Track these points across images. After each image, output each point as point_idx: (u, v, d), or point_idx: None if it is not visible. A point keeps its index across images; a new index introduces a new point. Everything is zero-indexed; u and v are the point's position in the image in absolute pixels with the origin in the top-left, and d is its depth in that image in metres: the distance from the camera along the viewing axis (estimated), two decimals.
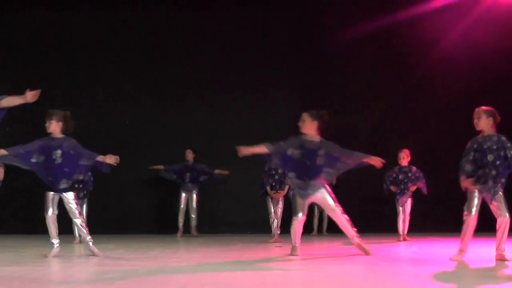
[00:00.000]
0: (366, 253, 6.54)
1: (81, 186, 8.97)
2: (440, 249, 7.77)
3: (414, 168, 9.31)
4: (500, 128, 6.06)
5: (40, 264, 5.81)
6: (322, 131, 6.54)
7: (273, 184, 9.21)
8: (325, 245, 8.68)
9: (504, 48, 11.12)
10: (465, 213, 6.02)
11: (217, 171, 10.65)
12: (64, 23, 11.56)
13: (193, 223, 10.67)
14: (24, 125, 10.17)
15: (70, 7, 11.49)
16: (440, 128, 11.17)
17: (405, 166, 9.32)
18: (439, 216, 10.95)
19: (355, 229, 6.64)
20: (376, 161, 6.56)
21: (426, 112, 11.42)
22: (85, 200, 9.17)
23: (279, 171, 9.05)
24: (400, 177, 9.27)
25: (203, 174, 10.71)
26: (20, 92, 11.09)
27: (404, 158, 9.29)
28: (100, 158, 6.51)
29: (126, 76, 11.46)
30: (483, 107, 6.11)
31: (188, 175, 10.69)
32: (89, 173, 8.85)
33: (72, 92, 11.30)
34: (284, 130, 11.26)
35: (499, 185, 5.83)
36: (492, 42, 11.17)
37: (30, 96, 5.08)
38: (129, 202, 11.28)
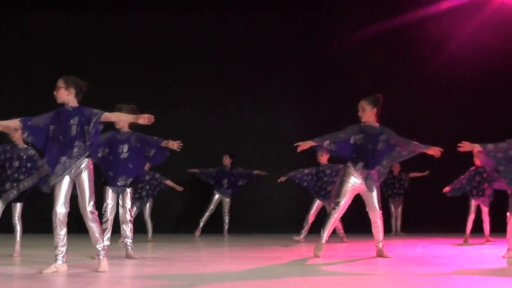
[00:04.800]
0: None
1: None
2: (444, 250, 7.77)
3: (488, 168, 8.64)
4: (508, 129, 6.09)
5: None
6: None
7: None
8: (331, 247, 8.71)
9: (511, 50, 11.10)
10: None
11: (256, 172, 10.63)
12: (73, 27, 11.59)
13: (226, 226, 10.74)
14: None
15: (78, 11, 11.57)
16: (446, 132, 11.16)
17: (479, 166, 8.73)
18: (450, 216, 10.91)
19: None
20: (435, 151, 6.31)
21: (432, 115, 11.37)
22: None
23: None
24: (476, 178, 8.82)
25: (242, 178, 10.69)
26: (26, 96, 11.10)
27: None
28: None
29: (133, 79, 11.47)
30: None
31: (225, 180, 10.66)
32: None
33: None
34: (292, 131, 11.42)
35: None
36: (499, 44, 11.09)
37: None
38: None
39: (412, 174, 11.00)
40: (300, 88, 11.73)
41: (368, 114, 6.41)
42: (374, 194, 6.35)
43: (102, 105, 5.34)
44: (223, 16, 11.75)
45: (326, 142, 6.37)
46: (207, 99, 11.70)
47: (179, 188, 9.70)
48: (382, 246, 6.45)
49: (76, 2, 11.57)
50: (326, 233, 6.40)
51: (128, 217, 6.51)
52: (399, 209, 11.18)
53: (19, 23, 11.62)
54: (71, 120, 5.07)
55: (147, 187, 9.38)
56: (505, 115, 10.90)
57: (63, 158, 5.01)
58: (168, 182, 9.54)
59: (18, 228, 6.69)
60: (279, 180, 9.52)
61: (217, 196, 10.67)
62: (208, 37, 11.75)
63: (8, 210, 6.65)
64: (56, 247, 5.07)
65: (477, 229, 9.00)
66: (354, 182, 6.32)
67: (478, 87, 11.25)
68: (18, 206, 6.68)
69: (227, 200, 10.69)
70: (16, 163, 6.56)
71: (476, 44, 11.16)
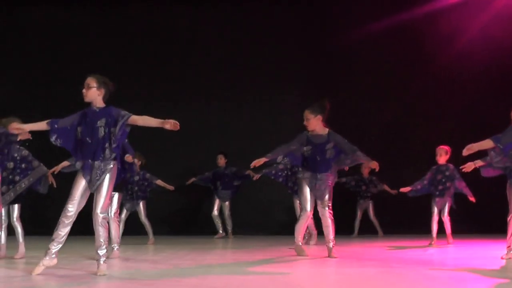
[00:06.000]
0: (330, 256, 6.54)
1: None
2: (459, 251, 7.67)
3: (451, 167, 8.51)
4: None
5: None
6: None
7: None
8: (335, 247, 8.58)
9: None
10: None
11: (247, 172, 10.09)
12: (71, 23, 11.49)
13: (230, 229, 10.48)
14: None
15: (77, 7, 11.47)
16: (456, 126, 11.03)
17: (442, 165, 8.59)
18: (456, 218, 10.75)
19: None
20: (375, 165, 6.44)
21: (442, 110, 11.33)
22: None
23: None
24: (438, 177, 8.58)
25: (236, 179, 10.42)
26: (24, 92, 10.95)
27: (442, 155, 8.53)
28: None
29: (133, 76, 11.36)
30: None
31: (219, 182, 10.45)
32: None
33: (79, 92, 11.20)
34: (295, 128, 11.29)
35: None
36: (509, 38, 11.05)
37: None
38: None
39: (385, 187, 10.54)
40: (304, 84, 11.62)
41: (313, 122, 6.45)
42: (326, 196, 6.49)
43: None
44: (224, 11, 11.65)
45: (280, 157, 6.58)
46: (207, 96, 11.64)
47: (170, 188, 9.48)
48: (332, 247, 6.56)
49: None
50: (299, 237, 6.69)
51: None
52: (371, 212, 10.82)
53: (16, 18, 11.54)
54: (98, 122, 5.03)
55: (136, 188, 9.00)
56: None
57: (97, 163, 4.98)
58: (159, 182, 9.29)
59: (19, 229, 6.63)
60: (254, 178, 9.30)
61: (217, 199, 10.47)
62: (209, 32, 11.65)
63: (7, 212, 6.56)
64: (53, 240, 5.03)
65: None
66: (308, 187, 6.49)
67: (488, 82, 11.20)
68: (16, 208, 6.61)
69: (226, 204, 10.45)
70: (11, 165, 6.44)
71: (486, 39, 11.15)
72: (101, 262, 5.02)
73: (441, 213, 8.63)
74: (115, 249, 6.73)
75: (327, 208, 6.45)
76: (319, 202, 6.49)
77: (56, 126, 5.07)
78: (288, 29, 11.62)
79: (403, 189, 8.76)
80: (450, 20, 11.06)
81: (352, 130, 11.33)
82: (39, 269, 5.02)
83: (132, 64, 11.35)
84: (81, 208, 5.05)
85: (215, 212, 10.45)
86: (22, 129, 5.21)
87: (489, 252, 7.32)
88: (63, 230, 5.00)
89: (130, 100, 11.04)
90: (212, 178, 10.50)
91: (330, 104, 6.48)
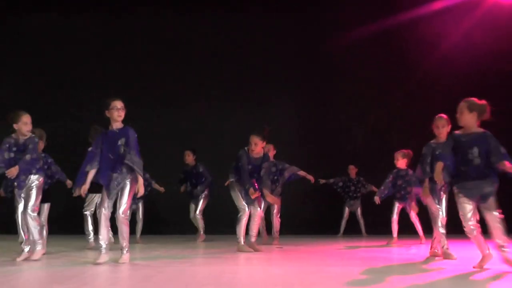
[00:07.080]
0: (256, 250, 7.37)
1: None
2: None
3: (410, 172, 8.56)
4: (500, 128, 6.19)
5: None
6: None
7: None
8: (321, 247, 8.74)
9: (504, 50, 11.20)
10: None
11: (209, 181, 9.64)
12: (71, 27, 11.66)
13: (201, 231, 9.76)
14: None
15: (77, 11, 11.63)
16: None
17: (402, 169, 8.72)
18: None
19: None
20: (271, 199, 7.55)
21: (426, 114, 11.43)
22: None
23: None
24: (398, 182, 8.75)
25: (201, 179, 9.60)
26: (27, 99, 11.09)
27: (398, 159, 8.63)
28: None
29: (131, 79, 11.53)
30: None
31: (188, 182, 9.76)
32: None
33: (78, 95, 11.39)
34: (284, 131, 11.50)
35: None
36: (491, 44, 11.25)
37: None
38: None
39: (373, 188, 10.58)
40: (294, 89, 11.79)
41: (260, 147, 7.39)
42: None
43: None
44: (219, 15, 11.85)
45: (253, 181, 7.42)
46: (206, 97, 11.81)
47: (161, 190, 9.71)
48: (254, 241, 7.55)
49: (74, 3, 11.64)
50: (241, 236, 7.46)
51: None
52: (358, 212, 11.08)
53: (17, 24, 11.69)
54: (119, 141, 5.82)
55: None
56: (498, 115, 10.96)
57: (115, 175, 5.77)
58: (154, 185, 9.59)
59: (44, 229, 6.97)
60: (226, 184, 8.73)
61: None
62: (204, 36, 11.84)
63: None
64: (101, 240, 5.83)
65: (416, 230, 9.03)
66: (239, 192, 7.51)
67: (471, 87, 11.33)
68: (46, 207, 7.12)
69: (198, 204, 9.67)
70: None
71: (469, 45, 11.31)
72: (124, 252, 5.84)
73: (409, 216, 8.84)
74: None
75: (258, 209, 7.52)
76: (251, 207, 7.48)
77: (96, 163, 5.83)
78: (278, 35, 11.81)
79: (377, 200, 8.88)
80: (433, 27, 11.28)
81: (338, 133, 11.61)
82: (103, 258, 5.80)
83: (132, 65, 11.50)
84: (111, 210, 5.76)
85: (192, 214, 9.78)
86: (85, 190, 5.88)
87: (471, 252, 7.56)
88: (104, 230, 5.81)
89: (130, 101, 11.32)
90: (184, 177, 9.81)
91: (269, 130, 7.37)
